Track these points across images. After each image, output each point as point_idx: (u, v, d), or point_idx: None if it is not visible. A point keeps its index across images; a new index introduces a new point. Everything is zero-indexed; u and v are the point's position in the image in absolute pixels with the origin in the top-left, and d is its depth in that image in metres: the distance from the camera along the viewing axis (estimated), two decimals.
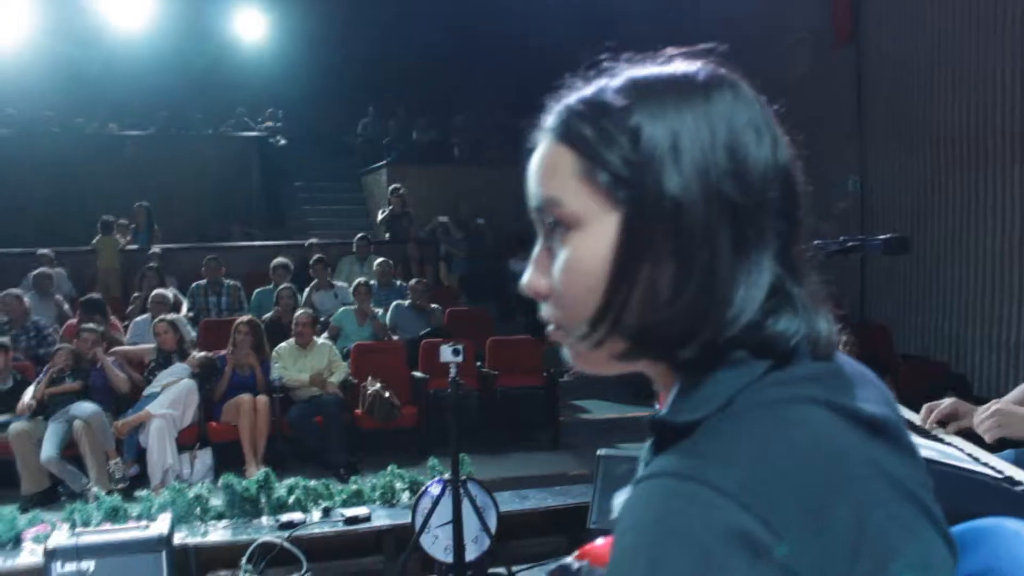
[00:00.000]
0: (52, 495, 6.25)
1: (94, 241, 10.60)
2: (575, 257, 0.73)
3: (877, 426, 0.71)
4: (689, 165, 0.70)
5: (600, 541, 1.31)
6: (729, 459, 0.65)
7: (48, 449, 6.19)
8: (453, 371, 4.50)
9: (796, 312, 0.73)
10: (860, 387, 0.75)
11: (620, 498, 0.70)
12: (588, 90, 0.76)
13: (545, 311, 0.78)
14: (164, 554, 4.34)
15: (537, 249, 0.78)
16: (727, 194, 0.70)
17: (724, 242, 0.70)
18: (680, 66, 0.75)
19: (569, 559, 1.24)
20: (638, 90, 0.73)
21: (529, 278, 0.78)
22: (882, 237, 2.74)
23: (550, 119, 0.77)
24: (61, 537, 4.34)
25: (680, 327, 0.70)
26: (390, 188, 12.45)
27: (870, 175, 9.09)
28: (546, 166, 0.76)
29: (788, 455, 0.66)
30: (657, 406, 0.78)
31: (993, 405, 2.38)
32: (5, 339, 6.94)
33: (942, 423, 2.42)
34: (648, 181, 0.70)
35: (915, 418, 2.45)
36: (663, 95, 0.72)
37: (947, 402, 2.43)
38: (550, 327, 0.79)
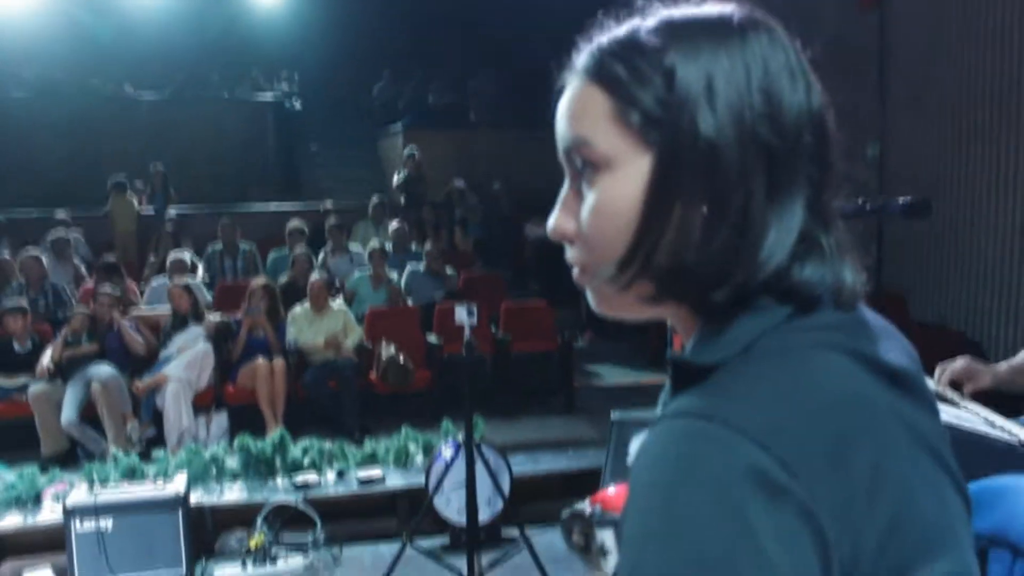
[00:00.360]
0: (71, 456, 6.33)
1: (110, 203, 10.60)
2: (605, 198, 0.73)
3: (898, 377, 0.71)
4: (724, 107, 0.69)
5: (612, 490, 1.31)
6: (748, 400, 0.65)
7: (68, 413, 6.25)
8: (467, 333, 4.50)
9: (823, 260, 0.72)
10: (883, 338, 0.75)
11: (636, 444, 0.69)
12: (621, 30, 0.75)
13: (571, 254, 0.78)
14: (180, 513, 4.41)
15: (564, 191, 0.77)
16: (762, 137, 0.69)
17: (758, 185, 0.69)
18: (715, 8, 0.74)
19: (582, 504, 1.24)
20: (673, 31, 0.72)
21: (556, 220, 0.78)
22: (902, 200, 2.70)
23: (581, 59, 0.76)
24: (80, 495, 4.41)
25: (711, 269, 0.70)
26: (405, 152, 12.41)
27: (890, 141, 8.98)
28: (577, 106, 0.75)
29: (808, 397, 0.65)
30: (673, 352, 0.77)
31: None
32: (23, 302, 6.98)
33: (956, 384, 2.40)
34: (682, 122, 0.69)
35: (930, 382, 2.43)
36: (698, 36, 0.71)
37: (959, 362, 2.41)
38: (575, 270, 0.78)
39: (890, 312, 0.83)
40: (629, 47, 0.73)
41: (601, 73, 0.73)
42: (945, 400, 2.32)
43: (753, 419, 0.63)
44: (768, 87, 0.71)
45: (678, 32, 0.72)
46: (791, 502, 0.61)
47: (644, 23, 0.74)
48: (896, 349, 0.75)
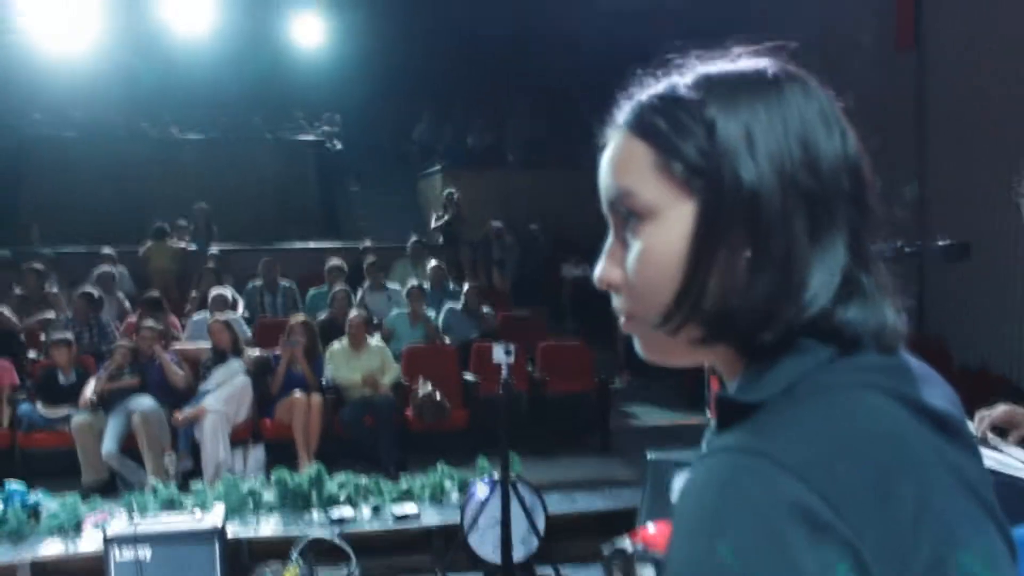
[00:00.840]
0: (111, 486, 6.40)
1: (144, 248, 10.76)
2: (650, 247, 0.75)
3: (941, 420, 0.72)
4: (764, 155, 0.72)
5: (652, 528, 1.31)
6: (791, 436, 0.66)
7: (108, 444, 6.35)
8: (505, 371, 4.52)
9: (866, 301, 0.73)
10: (925, 383, 0.75)
11: (679, 481, 0.71)
12: (660, 86, 0.78)
13: (618, 303, 0.80)
14: (217, 545, 4.43)
15: (609, 242, 0.80)
16: (801, 183, 0.72)
17: (800, 229, 0.71)
18: (750, 62, 0.77)
19: (623, 541, 1.25)
20: (711, 85, 0.75)
21: (602, 270, 0.80)
22: (942, 243, 2.69)
23: (623, 114, 0.79)
24: (120, 525, 4.46)
25: (758, 312, 0.71)
26: (444, 192, 12.53)
27: (930, 182, 8.92)
28: (620, 159, 0.78)
29: (850, 435, 0.66)
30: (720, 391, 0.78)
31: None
32: (69, 335, 7.12)
33: (998, 430, 2.37)
34: (724, 170, 0.71)
35: (971, 427, 2.40)
36: (736, 89, 0.74)
37: (1000, 408, 2.38)
38: (622, 319, 0.80)
39: (931, 357, 0.83)
40: (669, 101, 0.76)
41: (643, 126, 0.76)
42: (987, 445, 2.30)
43: (796, 455, 0.64)
44: (805, 136, 0.73)
45: (716, 86, 0.75)
46: (834, 537, 0.62)
47: (682, 79, 0.77)
48: (938, 394, 0.76)
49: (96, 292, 8.15)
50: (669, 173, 0.74)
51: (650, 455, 5.04)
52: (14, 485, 5.33)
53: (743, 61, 0.77)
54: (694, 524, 0.65)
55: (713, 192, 0.72)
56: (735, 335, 0.74)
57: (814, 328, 0.71)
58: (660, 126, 0.75)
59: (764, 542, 0.61)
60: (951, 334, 8.50)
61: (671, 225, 0.74)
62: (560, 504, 5.60)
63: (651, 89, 0.78)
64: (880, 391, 0.70)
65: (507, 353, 4.57)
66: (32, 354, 7.73)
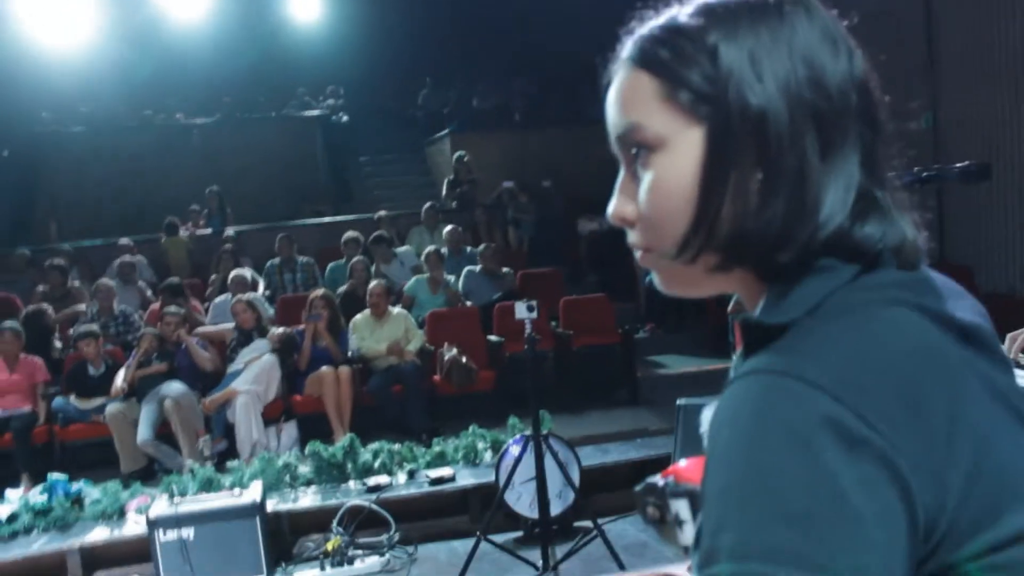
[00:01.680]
0: (149, 472, 6.50)
1: (164, 241, 10.86)
2: (662, 177, 0.75)
3: (970, 333, 0.71)
4: (769, 77, 0.72)
5: (683, 462, 1.31)
6: (820, 355, 0.66)
7: (143, 432, 6.44)
8: (528, 328, 4.52)
9: (883, 216, 0.74)
10: (951, 296, 0.75)
11: (708, 410, 0.71)
12: (661, 19, 0.78)
13: (633, 237, 0.80)
14: (258, 520, 4.50)
15: (620, 177, 0.80)
16: (808, 101, 0.72)
17: (810, 147, 0.71)
18: None
19: (654, 478, 1.25)
20: (712, 12, 0.75)
21: (615, 206, 0.80)
22: (959, 165, 2.66)
23: (626, 49, 0.79)
24: (161, 507, 4.53)
25: (773, 232, 0.71)
26: (454, 156, 12.49)
27: (943, 109, 8.80)
28: (625, 93, 0.78)
29: (878, 350, 0.66)
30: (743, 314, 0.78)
31: None
32: (95, 327, 7.19)
33: None
34: (730, 94, 0.72)
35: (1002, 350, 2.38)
36: (737, 15, 0.74)
37: None
38: (638, 253, 0.80)
39: (957, 284, 0.83)
40: (671, 31, 0.76)
41: (646, 58, 0.76)
42: (1019, 366, 2.28)
43: (826, 373, 0.64)
44: (809, 56, 0.73)
45: (717, 13, 0.74)
46: (870, 451, 0.62)
47: (683, 9, 0.77)
48: (966, 307, 0.76)
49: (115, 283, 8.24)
50: (676, 102, 0.74)
51: (680, 401, 5.05)
52: (56, 476, 5.42)
53: None
54: (728, 449, 0.65)
55: (720, 116, 0.72)
56: (752, 258, 0.74)
57: (834, 245, 0.72)
58: (663, 56, 0.75)
59: (801, 461, 0.61)
60: (975, 260, 8.44)
61: (681, 153, 0.74)
62: (593, 457, 5.63)
63: (652, 22, 0.78)
64: (905, 306, 0.70)
65: (529, 310, 4.56)
66: (58, 343, 7.82)
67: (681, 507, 1.33)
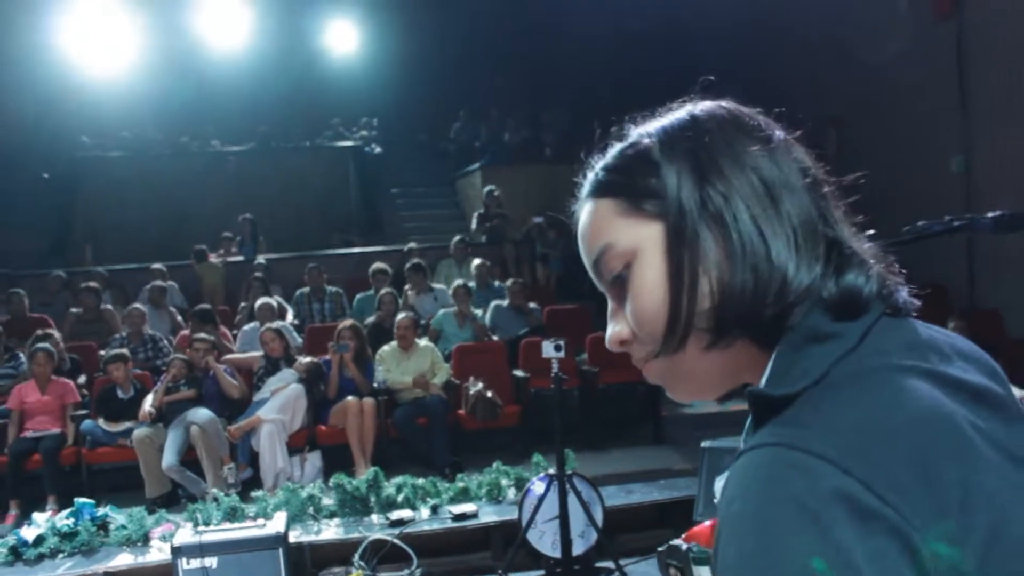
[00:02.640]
0: (173, 497, 6.54)
1: (198, 267, 10.99)
2: (641, 281, 0.80)
3: (978, 393, 0.72)
4: (711, 166, 0.79)
5: (707, 523, 1.32)
6: (829, 426, 0.67)
7: (169, 457, 6.48)
8: (555, 366, 4.53)
9: (860, 266, 0.78)
10: (960, 357, 0.77)
11: (720, 483, 0.72)
12: (608, 155, 0.86)
13: (636, 355, 0.85)
14: (281, 551, 4.50)
15: (611, 308, 0.86)
16: (751, 172, 0.79)
17: (760, 212, 0.77)
18: (679, 112, 0.85)
19: (678, 540, 1.26)
20: (649, 135, 0.84)
21: (611, 332, 0.85)
22: (992, 215, 2.65)
23: (583, 191, 0.87)
24: (185, 535, 4.55)
25: (749, 292, 0.76)
26: (484, 190, 12.55)
27: (976, 153, 8.75)
28: (591, 223, 0.85)
29: (888, 419, 0.66)
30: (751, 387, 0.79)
31: None
32: (125, 351, 7.27)
33: None
34: (681, 186, 0.79)
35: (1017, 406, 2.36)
36: (668, 131, 0.83)
37: None
38: (645, 371, 0.85)
39: (985, 329, 0.85)
40: (617, 159, 0.85)
41: (602, 187, 0.84)
42: None
43: (834, 445, 0.64)
44: (739, 143, 0.80)
45: (652, 135, 0.83)
46: (881, 524, 0.62)
47: (624, 143, 0.86)
48: (972, 368, 0.76)
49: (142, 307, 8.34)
50: (635, 212, 0.81)
51: (705, 443, 5.03)
52: (83, 500, 5.46)
53: (674, 113, 0.85)
54: (739, 522, 0.65)
55: (675, 205, 0.79)
56: (738, 322, 0.77)
57: (822, 303, 0.75)
58: (616, 179, 0.83)
59: (811, 535, 0.61)
60: (1006, 306, 8.35)
61: (651, 253, 0.80)
62: (616, 497, 5.59)
63: (601, 159, 0.86)
64: (913, 372, 0.70)
65: (557, 349, 4.58)
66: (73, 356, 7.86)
67: (704, 573, 1.34)
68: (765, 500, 0.64)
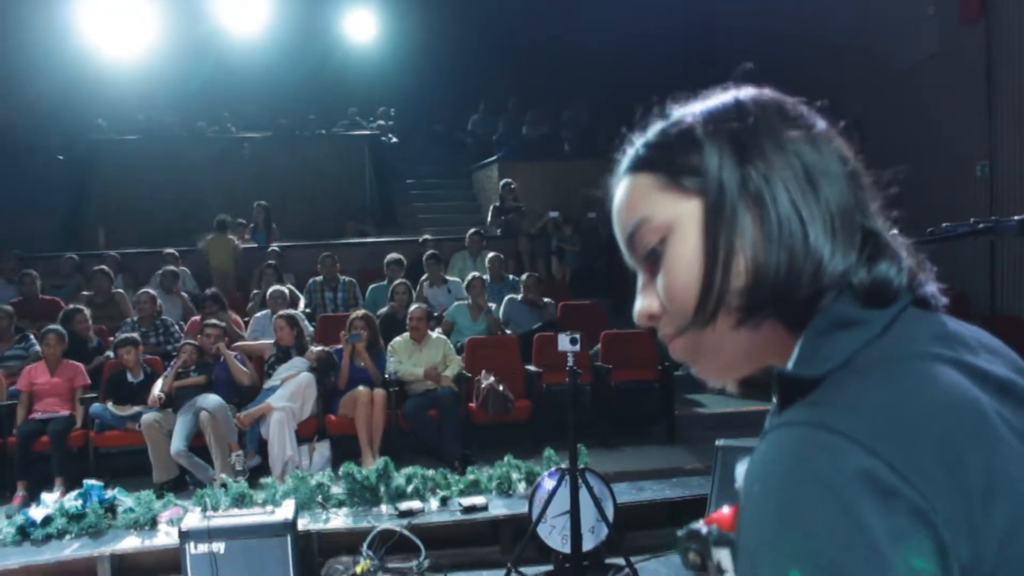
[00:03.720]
0: (180, 483, 6.52)
1: (204, 241, 10.91)
2: (676, 255, 0.80)
3: (1005, 387, 0.72)
4: (754, 149, 0.79)
5: (726, 509, 1.27)
6: (854, 408, 0.67)
7: (177, 443, 6.45)
8: (571, 360, 4.47)
9: (892, 255, 0.78)
10: (985, 350, 0.77)
11: (742, 465, 0.69)
12: (649, 131, 0.86)
13: (662, 330, 0.84)
14: (289, 538, 4.47)
15: (640, 281, 0.86)
16: (793, 155, 0.79)
17: (800, 194, 0.78)
18: (723, 96, 0.85)
19: (699, 523, 1.21)
20: (694, 115, 0.83)
21: (640, 305, 0.85)
22: (1017, 217, 2.57)
23: (621, 165, 0.87)
24: (193, 520, 4.51)
25: (784, 273, 0.76)
26: (501, 183, 12.51)
27: (1000, 157, 8.65)
28: (628, 198, 0.85)
29: (915, 403, 0.67)
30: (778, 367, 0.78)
31: None
32: (135, 335, 7.25)
33: None
34: (722, 167, 0.79)
35: None
36: (713, 113, 0.83)
37: None
38: (671, 347, 0.84)
39: (1006, 336, 0.84)
40: (661, 135, 0.85)
41: (644, 162, 0.84)
42: None
43: (860, 426, 0.65)
44: (783, 129, 0.81)
45: (697, 115, 0.83)
46: (904, 504, 0.62)
47: (666, 122, 0.86)
48: (1000, 362, 0.76)
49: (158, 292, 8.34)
50: (674, 187, 0.81)
51: (719, 442, 4.97)
52: (91, 482, 5.44)
53: (714, 98, 0.85)
54: (762, 501, 0.66)
55: (716, 182, 0.79)
56: (771, 302, 0.77)
57: (852, 289, 0.76)
58: (658, 155, 0.83)
59: (834, 513, 0.61)
60: None
61: (688, 228, 0.80)
62: (628, 494, 5.55)
63: (642, 136, 0.86)
64: (940, 360, 0.71)
65: (573, 343, 4.52)
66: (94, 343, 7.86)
67: (723, 556, 1.30)
68: (789, 478, 0.65)
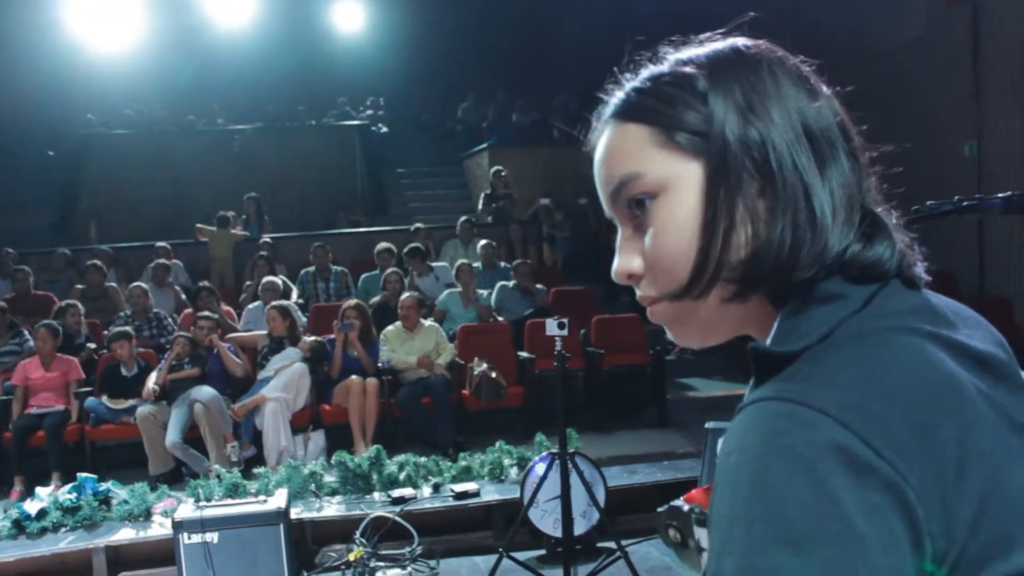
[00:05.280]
0: (176, 475, 6.55)
1: (206, 232, 10.96)
2: (668, 218, 0.76)
3: (986, 362, 0.71)
4: (761, 109, 0.75)
5: (706, 485, 1.29)
6: (829, 382, 0.66)
7: (172, 435, 6.49)
8: (559, 345, 4.50)
9: (889, 236, 0.75)
10: (966, 325, 0.76)
11: (722, 440, 0.70)
12: (642, 75, 0.81)
13: (643, 291, 0.80)
14: (282, 527, 4.50)
15: (619, 237, 0.81)
16: (801, 126, 0.75)
17: (809, 167, 0.74)
18: (719, 43, 0.80)
19: (679, 501, 1.23)
20: (693, 62, 0.78)
21: (619, 263, 0.81)
22: (1002, 195, 2.60)
23: (609, 108, 0.81)
24: (187, 510, 4.55)
25: (787, 250, 0.73)
26: (492, 171, 12.51)
27: (987, 138, 8.67)
28: (616, 148, 0.79)
29: (889, 376, 0.66)
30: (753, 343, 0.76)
31: None
32: (128, 329, 7.27)
33: None
34: (727, 126, 0.74)
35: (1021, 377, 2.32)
36: (716, 62, 0.77)
37: None
38: (650, 309, 0.81)
39: (995, 318, 0.83)
40: (657, 82, 0.78)
41: (635, 110, 0.78)
42: None
43: (833, 400, 0.64)
44: (789, 91, 0.76)
45: (698, 63, 0.78)
46: (877, 479, 0.61)
47: (663, 66, 0.80)
48: (980, 336, 0.75)
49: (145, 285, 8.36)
50: (672, 145, 0.76)
51: (709, 424, 5.00)
52: (85, 475, 5.47)
53: (713, 44, 0.80)
54: (735, 474, 0.64)
55: (718, 148, 0.74)
56: (768, 280, 0.74)
57: (846, 267, 0.73)
58: (653, 104, 0.77)
59: (806, 486, 0.61)
60: (1017, 294, 8.29)
61: (684, 191, 0.75)
62: (619, 477, 5.59)
63: (633, 80, 0.81)
64: (918, 334, 0.69)
65: (560, 327, 4.54)
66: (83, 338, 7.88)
67: (703, 535, 1.31)
68: (762, 451, 0.63)
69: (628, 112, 0.79)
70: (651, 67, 0.80)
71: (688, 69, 0.77)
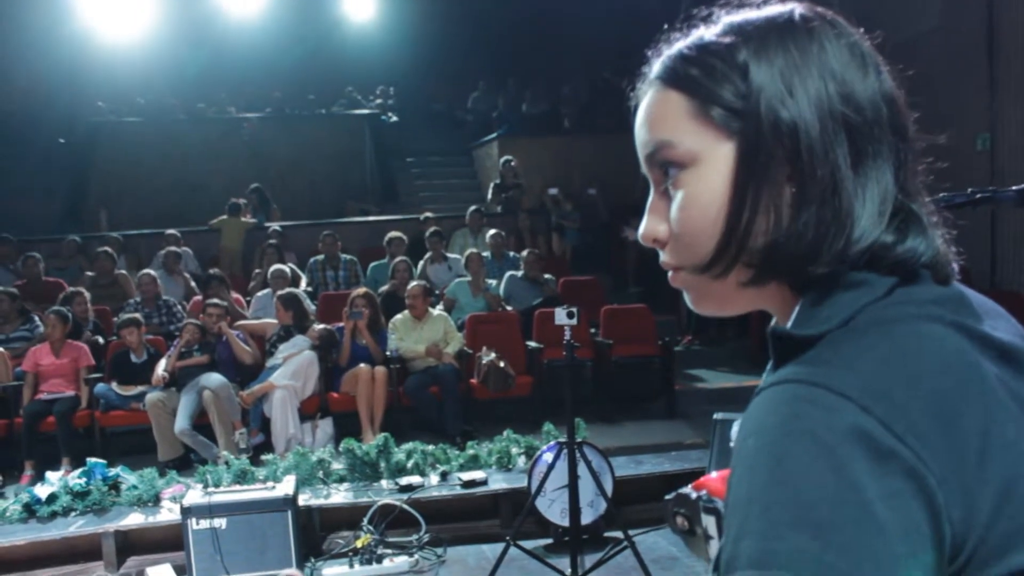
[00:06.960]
0: (185, 461, 6.58)
1: (218, 220, 10.98)
2: (694, 193, 0.75)
3: (1009, 353, 0.70)
4: (800, 92, 0.72)
5: (715, 474, 1.29)
6: (850, 366, 0.65)
7: (181, 421, 6.51)
8: (568, 334, 4.49)
9: (921, 231, 0.73)
10: (989, 316, 0.75)
11: (737, 424, 0.70)
12: (689, 38, 0.79)
13: (665, 257, 0.80)
14: (290, 513, 4.52)
15: (650, 198, 0.80)
16: (840, 114, 0.72)
17: (842, 158, 0.71)
18: (776, 8, 0.77)
19: (687, 488, 1.23)
20: (741, 31, 0.75)
21: (646, 226, 0.80)
22: (1016, 187, 2.58)
23: (654, 69, 0.80)
24: (195, 496, 4.57)
25: (806, 244, 0.71)
26: (501, 161, 12.50)
27: (1001, 130, 8.61)
28: (656, 112, 0.78)
29: (912, 363, 0.65)
30: (774, 325, 0.77)
31: None
32: (138, 316, 7.29)
33: None
34: (762, 108, 0.72)
35: None
36: (765, 33, 0.75)
37: None
38: (671, 273, 0.80)
39: (1006, 311, 0.82)
40: (701, 50, 0.76)
41: (676, 77, 0.77)
42: None
43: (855, 384, 0.63)
44: (838, 71, 0.73)
45: (746, 32, 0.75)
46: (897, 464, 0.61)
47: (710, 30, 0.78)
48: (1004, 327, 0.74)
49: (155, 272, 8.38)
50: (707, 119, 0.74)
51: (717, 415, 4.99)
52: (95, 460, 5.50)
53: (769, 8, 0.77)
54: (753, 457, 0.64)
55: (752, 130, 0.72)
56: (786, 271, 0.74)
57: (872, 260, 0.71)
58: (694, 74, 0.76)
59: (826, 470, 0.60)
60: None
61: (713, 169, 0.74)
62: (627, 467, 5.59)
63: (680, 42, 0.79)
64: (941, 322, 0.69)
65: (569, 316, 4.53)
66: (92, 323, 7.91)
67: (710, 523, 1.31)
68: (781, 434, 0.63)
69: (669, 78, 0.78)
70: (701, 29, 0.78)
71: (732, 39, 0.75)
